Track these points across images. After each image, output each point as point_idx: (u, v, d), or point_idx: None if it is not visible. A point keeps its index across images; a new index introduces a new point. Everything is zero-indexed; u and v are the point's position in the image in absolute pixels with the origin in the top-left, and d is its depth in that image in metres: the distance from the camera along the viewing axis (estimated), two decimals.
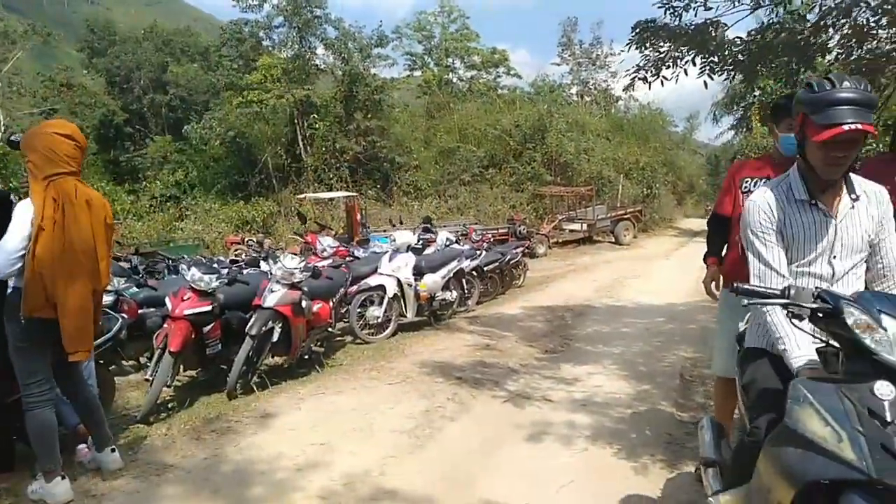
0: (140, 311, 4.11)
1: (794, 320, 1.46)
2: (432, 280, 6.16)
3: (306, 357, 4.48)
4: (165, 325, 3.67)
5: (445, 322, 6.40)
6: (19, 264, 2.34)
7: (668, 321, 6.41)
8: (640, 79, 4.47)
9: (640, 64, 4.41)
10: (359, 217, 13.06)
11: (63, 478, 2.44)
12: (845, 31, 3.91)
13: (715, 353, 2.72)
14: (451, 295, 6.53)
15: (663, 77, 4.38)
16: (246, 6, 19.95)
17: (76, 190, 2.47)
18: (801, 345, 1.53)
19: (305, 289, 4.22)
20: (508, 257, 8.58)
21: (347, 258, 6.63)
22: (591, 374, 4.34)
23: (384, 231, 11.17)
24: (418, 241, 7.04)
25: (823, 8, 3.97)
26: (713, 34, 4.16)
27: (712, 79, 4.30)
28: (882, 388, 1.26)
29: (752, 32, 4.19)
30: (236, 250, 9.60)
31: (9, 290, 2.40)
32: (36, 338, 2.40)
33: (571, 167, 19.93)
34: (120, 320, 3.40)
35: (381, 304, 5.59)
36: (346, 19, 21.09)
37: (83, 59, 28.11)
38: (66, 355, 2.46)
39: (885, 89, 4.26)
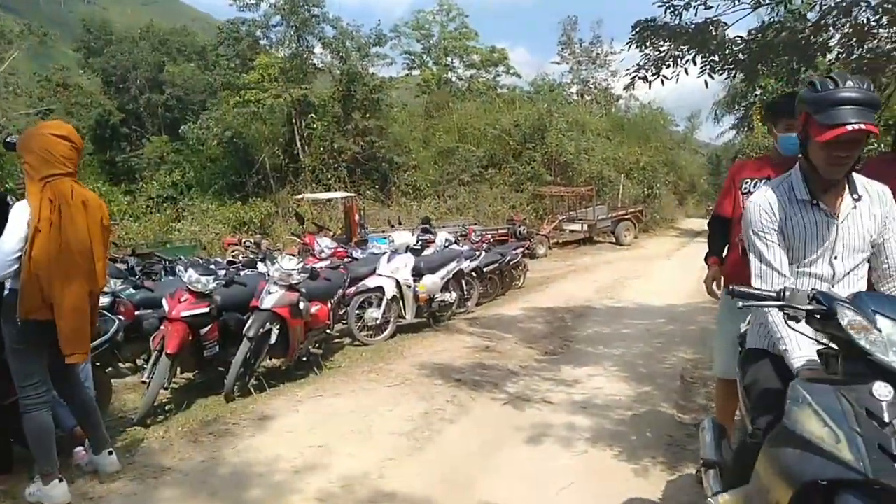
0: (137, 313, 4.09)
1: (789, 322, 1.46)
2: (431, 281, 6.14)
3: (304, 359, 4.46)
4: (162, 327, 3.65)
5: (444, 323, 6.39)
6: (16, 266, 2.33)
7: (669, 322, 6.40)
8: (640, 78, 4.47)
9: (641, 63, 4.40)
10: (357, 218, 13.04)
11: (60, 480, 2.43)
12: (846, 31, 3.91)
13: (715, 354, 2.72)
14: (451, 296, 6.52)
15: (663, 76, 4.37)
16: (243, 5, 19.90)
17: (72, 191, 2.46)
18: (801, 345, 1.53)
19: (303, 290, 4.20)
20: (508, 258, 8.57)
21: (346, 259, 6.62)
22: (592, 375, 4.33)
23: (383, 232, 11.15)
24: (417, 241, 7.02)
25: (824, 7, 3.97)
26: (713, 33, 4.16)
27: (713, 78, 4.30)
28: (880, 388, 1.26)
29: (753, 31, 4.19)
30: (234, 251, 9.57)
31: (5, 292, 2.40)
32: (32, 340, 2.39)
33: (571, 167, 19.93)
34: (117, 322, 3.39)
35: (379, 305, 5.58)
36: (344, 18, 20.95)
37: (79, 58, 27.99)
38: (63, 357, 2.44)
39: (886, 89, 4.26)
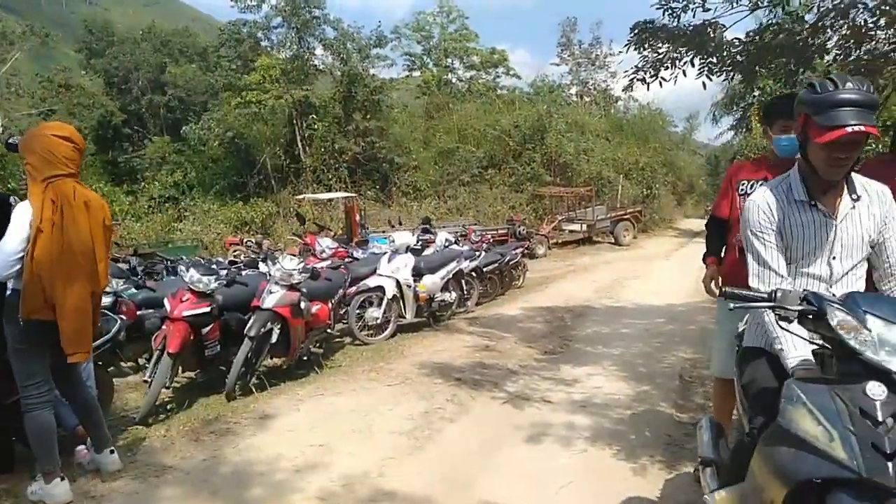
0: (139, 313, 4.11)
1: (781, 322, 1.47)
2: (431, 281, 6.16)
3: (305, 358, 4.48)
4: (164, 327, 3.66)
5: (444, 323, 6.40)
6: (18, 266, 2.34)
7: (668, 322, 6.41)
8: (638, 80, 4.48)
9: (639, 65, 4.41)
10: (358, 218, 13.06)
11: (62, 479, 2.44)
12: (843, 33, 3.92)
13: (713, 353, 2.73)
14: (451, 296, 6.53)
15: (662, 78, 4.38)
16: (244, 7, 19.94)
17: (74, 192, 2.48)
18: (796, 345, 1.54)
19: (304, 290, 4.22)
20: (508, 258, 8.59)
21: (346, 259, 6.64)
22: (591, 375, 4.35)
23: (383, 232, 11.17)
24: (417, 241, 7.04)
25: (821, 9, 3.99)
26: (712, 35, 4.17)
27: (711, 79, 4.31)
28: (874, 388, 1.27)
29: (751, 33, 4.20)
30: (235, 251, 9.58)
31: (7, 292, 2.40)
32: (34, 339, 2.41)
33: (571, 167, 19.96)
34: (118, 322, 3.41)
35: (380, 305, 5.59)
36: (345, 20, 21.08)
37: (81, 59, 28.08)
38: (65, 357, 2.46)
39: (884, 90, 4.27)
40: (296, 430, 3.29)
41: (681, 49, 4.24)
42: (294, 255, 4.69)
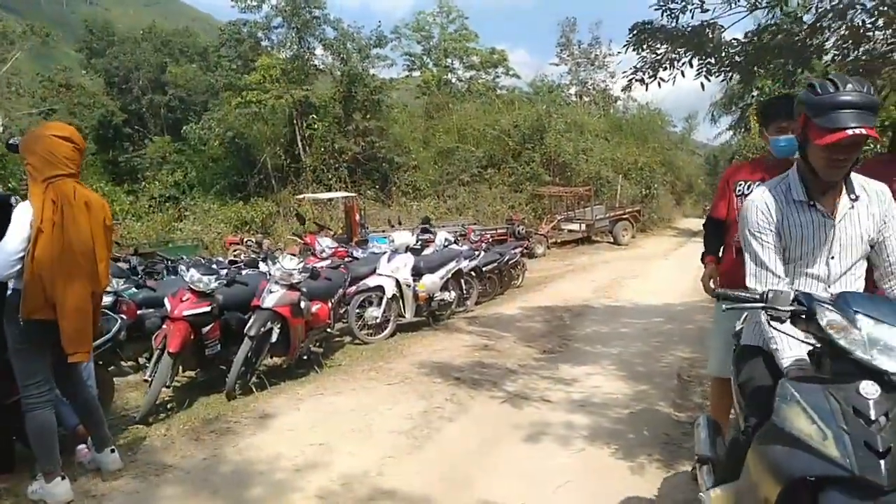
0: (139, 312, 4.12)
1: (773, 323, 1.48)
2: (431, 280, 6.18)
3: (305, 358, 4.49)
4: (164, 326, 3.68)
5: (444, 322, 6.41)
6: (18, 266, 2.35)
7: (667, 321, 6.42)
8: (637, 80, 4.50)
9: (638, 66, 4.43)
10: (357, 217, 13.08)
11: (63, 478, 2.45)
12: (842, 33, 3.93)
13: (711, 353, 2.74)
14: (450, 295, 6.55)
15: (660, 79, 4.40)
16: (245, 7, 19.97)
17: (75, 192, 2.48)
18: (791, 345, 1.55)
19: (304, 289, 4.23)
20: (507, 257, 8.60)
21: (346, 259, 6.65)
22: (590, 374, 4.36)
23: (383, 231, 11.18)
24: (417, 241, 7.05)
25: (819, 10, 4.00)
26: (710, 36, 4.18)
27: (709, 80, 4.32)
28: (867, 387, 1.28)
29: (749, 34, 4.22)
30: (235, 251, 9.61)
31: (8, 292, 2.41)
32: (35, 339, 2.41)
33: (570, 167, 19.98)
34: (119, 321, 3.41)
35: (379, 304, 5.61)
36: (345, 20, 21.12)
37: (82, 59, 28.10)
38: (66, 356, 2.46)
39: (882, 90, 4.28)
40: (296, 429, 3.31)
41: (679, 50, 4.25)
42: (294, 255, 4.70)
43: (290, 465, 2.84)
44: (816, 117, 1.51)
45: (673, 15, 4.16)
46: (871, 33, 3.89)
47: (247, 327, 3.85)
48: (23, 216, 2.37)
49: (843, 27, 3.89)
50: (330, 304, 4.93)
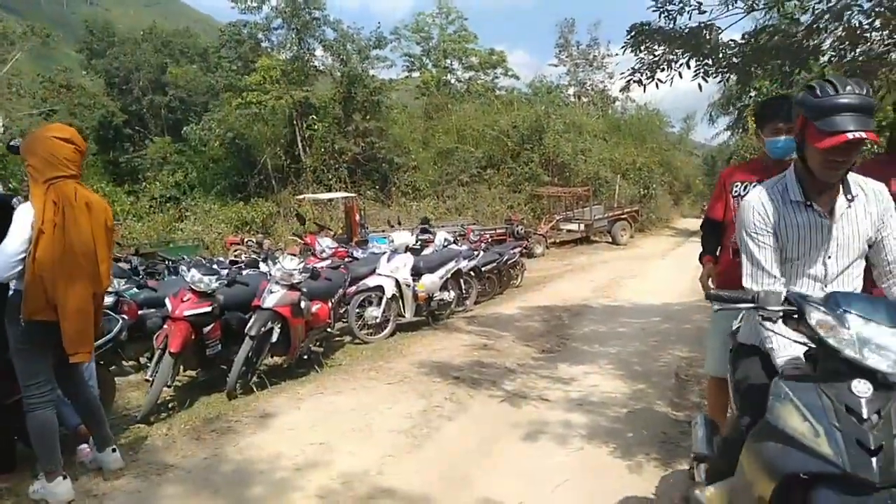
0: (140, 312, 4.14)
1: (765, 323, 1.49)
2: (430, 280, 6.20)
3: (305, 357, 4.51)
4: (165, 326, 3.70)
5: (443, 322, 6.43)
6: (20, 267, 2.36)
7: (664, 321, 6.44)
8: (635, 81, 4.51)
9: (636, 67, 4.44)
10: (357, 218, 13.09)
11: (64, 478, 2.46)
12: (839, 34, 3.94)
13: (708, 352, 2.76)
14: (449, 295, 6.57)
15: (658, 80, 4.41)
16: (245, 8, 20.01)
17: (76, 193, 2.49)
18: (787, 344, 1.56)
19: (304, 289, 4.25)
20: (506, 257, 8.62)
21: (346, 259, 6.67)
22: (588, 373, 4.38)
23: (383, 232, 11.20)
24: (416, 241, 7.08)
25: (816, 11, 4.01)
26: (707, 37, 4.19)
27: (706, 81, 4.33)
28: (859, 385, 1.30)
29: (746, 35, 4.23)
30: (236, 251, 9.62)
31: (10, 293, 2.42)
32: (36, 340, 2.42)
33: (569, 168, 20.01)
34: (120, 321, 3.43)
35: (379, 304, 5.63)
36: (345, 21, 21.07)
37: (82, 60, 28.12)
38: (67, 357, 2.48)
39: (879, 91, 4.30)
40: (296, 428, 3.32)
41: (677, 51, 4.26)
42: (294, 255, 4.72)
43: (291, 464, 2.85)
44: (815, 120, 1.51)
45: (670, 16, 4.17)
46: (868, 34, 3.89)
47: (247, 327, 3.87)
48: (24, 217, 2.38)
49: (840, 28, 3.90)
50: (330, 304, 4.95)
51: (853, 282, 1.70)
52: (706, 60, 4.23)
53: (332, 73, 20.36)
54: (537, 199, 18.68)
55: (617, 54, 4.53)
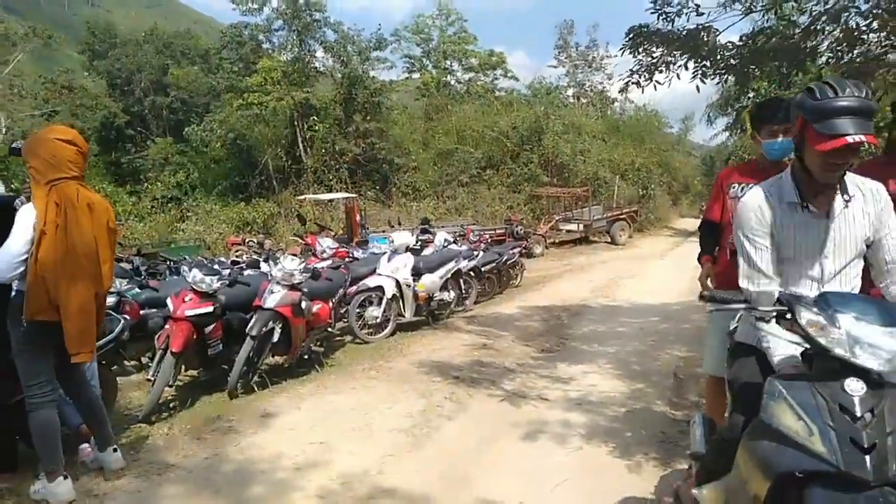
0: (142, 312, 4.15)
1: (759, 323, 1.51)
2: (430, 280, 6.21)
3: (306, 357, 4.52)
4: (167, 326, 3.71)
5: (443, 322, 6.44)
6: (22, 268, 2.37)
7: (663, 321, 6.45)
8: (633, 83, 4.53)
9: (634, 68, 4.46)
10: (358, 218, 13.10)
11: (65, 477, 2.47)
12: (836, 36, 3.96)
13: (706, 352, 2.77)
14: (449, 295, 6.58)
15: (656, 82, 4.43)
16: (246, 9, 20.08)
17: (78, 194, 2.50)
18: (783, 343, 1.57)
19: (305, 290, 4.27)
20: (505, 258, 8.63)
21: (347, 259, 6.69)
22: (587, 373, 4.39)
23: (383, 232, 11.22)
24: (416, 241, 7.09)
25: (814, 13, 4.03)
26: (705, 39, 4.21)
27: (704, 83, 4.35)
28: (852, 384, 1.31)
29: (744, 37, 4.24)
30: (237, 251, 9.63)
31: (12, 294, 2.44)
32: (38, 340, 2.44)
33: (568, 168, 20.02)
34: (122, 321, 3.44)
35: (379, 304, 5.64)
36: (345, 22, 21.32)
37: (84, 61, 28.17)
38: (69, 357, 2.49)
39: (876, 92, 4.31)
40: (296, 428, 3.34)
41: (675, 53, 4.28)
42: (295, 256, 4.74)
43: (291, 463, 2.86)
44: (815, 122, 1.52)
45: (668, 18, 4.19)
46: (865, 36, 3.91)
47: (248, 327, 3.88)
48: (26, 218, 2.40)
49: (838, 30, 3.91)
50: (331, 304, 4.96)
51: (851, 282, 1.71)
52: (704, 62, 4.25)
53: (333, 74, 20.40)
54: (536, 200, 18.69)
55: (616, 56, 4.58)
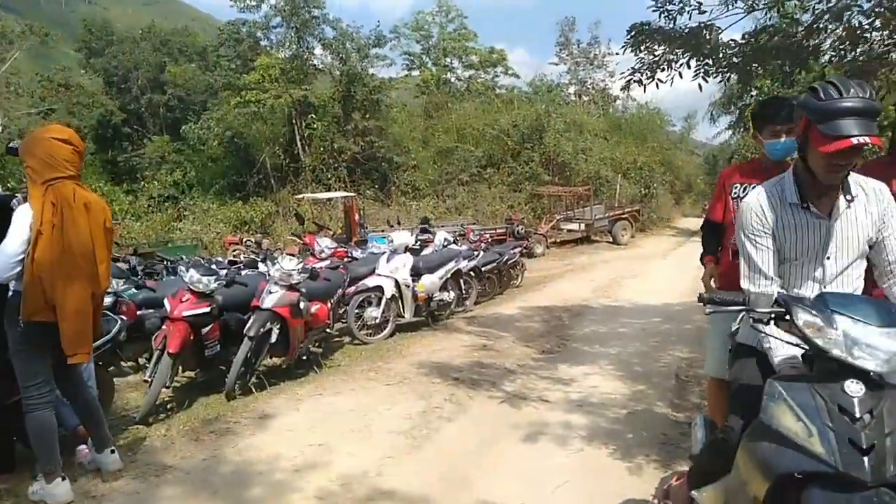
0: (139, 313, 4.13)
1: (757, 325, 1.50)
2: (430, 281, 6.19)
3: (304, 358, 4.50)
4: (164, 327, 3.69)
5: (443, 322, 6.43)
6: (19, 268, 2.36)
7: (665, 321, 6.44)
8: (635, 81, 4.51)
9: (636, 67, 4.44)
10: (357, 217, 13.09)
11: (63, 479, 2.46)
12: (839, 34, 3.94)
13: (708, 353, 2.76)
14: (449, 295, 6.56)
15: (658, 80, 4.41)
16: (244, 6, 19.97)
17: (74, 194, 2.49)
18: (784, 344, 1.57)
19: (303, 290, 4.25)
20: (506, 257, 8.62)
21: (345, 259, 6.67)
22: (588, 374, 4.38)
23: (382, 231, 11.20)
24: (416, 241, 7.07)
25: (817, 11, 4.01)
26: (707, 37, 4.19)
27: (707, 81, 4.33)
28: (851, 385, 1.31)
29: (747, 35, 4.23)
30: (235, 251, 9.62)
31: (9, 294, 2.42)
32: (35, 341, 2.43)
33: (569, 167, 20.00)
34: (119, 322, 3.43)
35: (378, 304, 5.62)
36: (344, 19, 21.19)
37: (81, 59, 28.06)
38: (66, 358, 2.48)
39: (879, 91, 4.30)
40: (295, 429, 3.32)
41: (677, 51, 4.26)
42: (293, 255, 4.71)
43: (290, 465, 2.85)
44: (819, 123, 1.51)
45: (670, 16, 4.17)
46: (868, 34, 3.90)
47: (246, 328, 3.86)
48: (23, 218, 2.39)
49: (841, 28, 3.90)
50: (329, 305, 4.94)
51: (853, 282, 1.70)
52: (706, 60, 4.24)
53: (332, 71, 20.34)
54: (538, 199, 18.67)
55: (617, 53, 4.54)
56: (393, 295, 5.76)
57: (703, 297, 1.60)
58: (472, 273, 7.34)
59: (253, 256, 6.60)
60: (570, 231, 16.66)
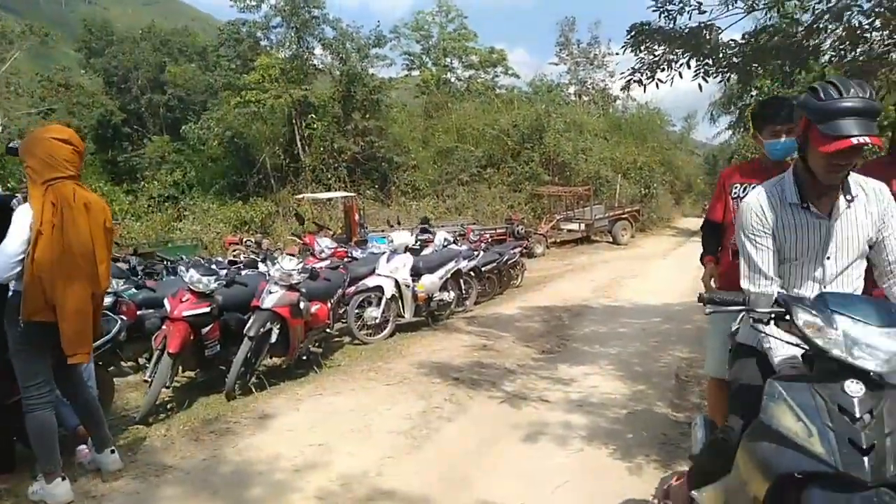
0: (139, 313, 4.13)
1: (756, 325, 1.50)
2: (430, 281, 6.19)
3: (304, 358, 4.50)
4: (164, 327, 3.69)
5: (443, 322, 6.43)
6: (18, 268, 2.36)
7: (665, 321, 6.44)
8: (635, 81, 4.51)
9: (636, 67, 4.44)
10: (357, 217, 13.09)
11: (63, 479, 2.46)
12: (839, 34, 3.95)
13: (708, 353, 2.76)
14: (449, 295, 6.56)
15: (658, 80, 4.41)
16: (244, 6, 19.97)
17: (74, 194, 2.49)
18: (784, 344, 1.57)
19: (303, 290, 4.25)
20: (506, 257, 8.62)
21: (345, 259, 6.67)
22: (588, 374, 4.38)
23: (382, 231, 11.20)
24: (416, 241, 7.07)
25: (817, 11, 4.01)
26: (707, 37, 4.19)
27: (707, 81, 4.33)
28: (851, 385, 1.31)
29: (746, 35, 4.23)
30: (234, 251, 9.62)
31: (9, 294, 2.42)
32: (35, 341, 2.43)
33: (569, 167, 20.00)
34: (119, 322, 3.43)
35: (378, 304, 5.62)
36: (344, 19, 21.19)
37: (81, 59, 28.06)
38: (66, 358, 2.48)
39: (879, 91, 4.30)
40: (295, 429, 3.32)
41: (677, 51, 4.27)
42: (293, 255, 4.71)
43: (290, 465, 2.85)
44: (819, 123, 1.51)
45: (670, 16, 4.17)
46: (868, 34, 3.90)
47: (246, 328, 3.86)
48: (23, 218, 2.39)
49: (841, 28, 3.90)
50: (329, 305, 4.94)
51: (853, 282, 1.70)
52: (706, 60, 4.24)
53: (332, 71, 20.34)
54: (538, 199, 18.67)
55: (617, 53, 4.54)
56: (393, 295, 5.76)
57: (703, 297, 1.60)
58: (472, 273, 7.33)
59: (253, 256, 6.61)
60: (570, 231, 16.65)
